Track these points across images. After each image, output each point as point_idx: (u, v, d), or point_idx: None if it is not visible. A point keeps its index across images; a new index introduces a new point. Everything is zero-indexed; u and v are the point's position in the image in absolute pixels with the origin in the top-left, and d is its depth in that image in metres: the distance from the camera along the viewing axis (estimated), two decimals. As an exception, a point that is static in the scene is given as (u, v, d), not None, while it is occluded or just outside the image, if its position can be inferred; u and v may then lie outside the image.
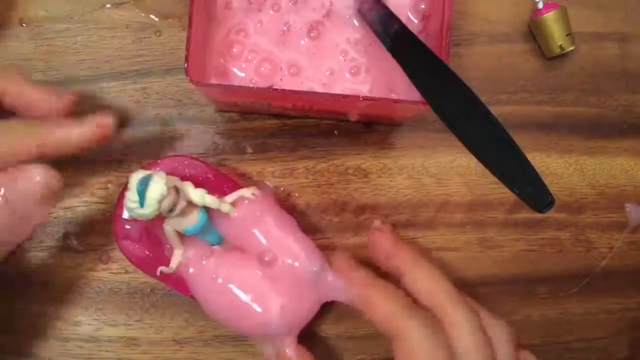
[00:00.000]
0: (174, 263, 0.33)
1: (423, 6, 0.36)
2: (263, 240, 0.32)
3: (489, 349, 0.30)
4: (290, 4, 0.35)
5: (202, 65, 0.34)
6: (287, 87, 0.35)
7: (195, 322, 0.38)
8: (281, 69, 0.35)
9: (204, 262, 0.33)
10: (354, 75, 0.35)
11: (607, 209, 0.40)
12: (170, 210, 0.30)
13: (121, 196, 0.32)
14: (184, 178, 0.32)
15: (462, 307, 0.31)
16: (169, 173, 0.31)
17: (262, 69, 0.35)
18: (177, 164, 0.33)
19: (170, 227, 0.32)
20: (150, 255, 0.33)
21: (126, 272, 0.38)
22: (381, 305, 0.31)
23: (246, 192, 0.33)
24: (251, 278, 0.32)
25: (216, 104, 0.38)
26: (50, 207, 0.30)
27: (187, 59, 0.30)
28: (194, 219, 0.31)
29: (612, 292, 0.40)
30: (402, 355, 0.30)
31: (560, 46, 0.38)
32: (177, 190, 0.30)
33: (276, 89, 0.34)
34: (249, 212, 0.32)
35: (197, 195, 0.31)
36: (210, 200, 0.31)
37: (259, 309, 0.32)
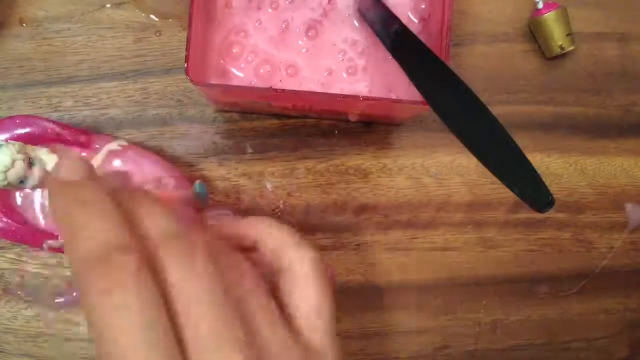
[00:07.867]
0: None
1: (423, 6, 0.36)
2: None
3: None
4: (287, 2, 0.35)
5: (202, 65, 0.34)
6: (286, 88, 0.35)
7: (195, 322, 0.38)
8: (280, 70, 0.35)
9: None
10: (352, 75, 0.35)
11: (607, 209, 0.40)
12: (22, 182, 0.29)
13: None
14: (30, 138, 0.31)
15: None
16: (13, 136, 0.30)
17: (262, 70, 0.35)
18: (19, 120, 0.34)
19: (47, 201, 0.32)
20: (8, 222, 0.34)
21: (126, 272, 0.38)
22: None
23: (113, 145, 0.33)
24: None
25: (216, 104, 0.38)
26: None
27: (187, 59, 0.30)
28: None
29: (612, 292, 0.40)
30: None
31: (560, 46, 0.38)
32: (30, 162, 0.29)
33: (276, 89, 0.34)
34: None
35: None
36: None
37: None
